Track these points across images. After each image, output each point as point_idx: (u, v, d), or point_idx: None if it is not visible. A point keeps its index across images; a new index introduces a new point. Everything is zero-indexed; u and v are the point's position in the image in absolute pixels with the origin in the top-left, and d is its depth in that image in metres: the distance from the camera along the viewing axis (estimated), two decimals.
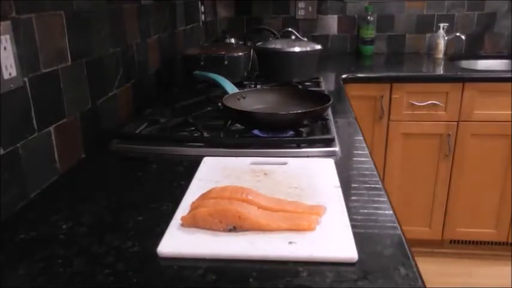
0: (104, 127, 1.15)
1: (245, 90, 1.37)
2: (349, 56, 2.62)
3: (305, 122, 1.12)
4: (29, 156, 0.83)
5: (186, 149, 1.05)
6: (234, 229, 0.67)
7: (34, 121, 0.85)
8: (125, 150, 1.07)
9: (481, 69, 2.37)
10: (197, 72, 1.54)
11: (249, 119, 1.12)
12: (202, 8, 2.16)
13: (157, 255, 0.64)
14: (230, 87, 1.35)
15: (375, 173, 0.93)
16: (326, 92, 1.45)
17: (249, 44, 2.16)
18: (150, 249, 0.65)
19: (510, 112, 2.02)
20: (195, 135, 1.13)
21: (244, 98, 1.26)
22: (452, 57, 2.47)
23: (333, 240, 0.65)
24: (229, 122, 1.15)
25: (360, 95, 2.07)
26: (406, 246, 0.66)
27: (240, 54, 1.64)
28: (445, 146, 2.10)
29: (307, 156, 1.00)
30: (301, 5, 2.60)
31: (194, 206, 0.72)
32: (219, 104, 1.22)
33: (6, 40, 0.76)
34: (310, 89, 1.62)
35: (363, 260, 0.62)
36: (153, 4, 1.51)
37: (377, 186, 0.87)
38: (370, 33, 2.53)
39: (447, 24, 2.45)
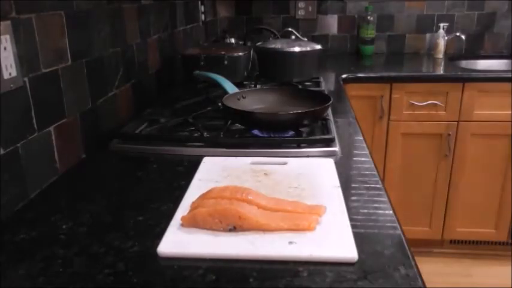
0: (104, 127, 1.15)
1: (245, 90, 1.37)
2: (349, 56, 2.62)
3: (305, 122, 1.12)
4: (29, 156, 0.83)
5: (186, 149, 1.05)
6: (234, 229, 0.67)
7: (34, 121, 0.85)
8: (125, 150, 1.07)
9: (481, 69, 2.36)
10: (197, 72, 1.54)
11: (249, 119, 1.12)
12: (202, 8, 2.16)
13: (157, 255, 0.64)
14: (230, 87, 1.35)
15: (375, 173, 0.93)
16: (326, 92, 1.45)
17: (249, 44, 2.16)
18: (150, 249, 0.65)
19: (510, 112, 2.02)
20: (195, 135, 1.13)
21: (244, 98, 1.26)
22: (452, 57, 2.47)
23: (333, 240, 0.65)
24: (229, 122, 1.15)
25: (360, 95, 2.07)
26: (406, 246, 0.66)
27: (240, 54, 1.64)
28: (445, 146, 2.10)
29: (307, 156, 1.00)
30: (301, 5, 2.60)
31: (194, 206, 0.72)
32: (219, 104, 1.23)
33: (6, 40, 0.76)
34: (310, 89, 1.62)
35: (363, 260, 0.62)
36: (153, 4, 1.50)
37: (377, 186, 0.87)
38: (370, 33, 2.53)
39: (447, 24, 2.45)
